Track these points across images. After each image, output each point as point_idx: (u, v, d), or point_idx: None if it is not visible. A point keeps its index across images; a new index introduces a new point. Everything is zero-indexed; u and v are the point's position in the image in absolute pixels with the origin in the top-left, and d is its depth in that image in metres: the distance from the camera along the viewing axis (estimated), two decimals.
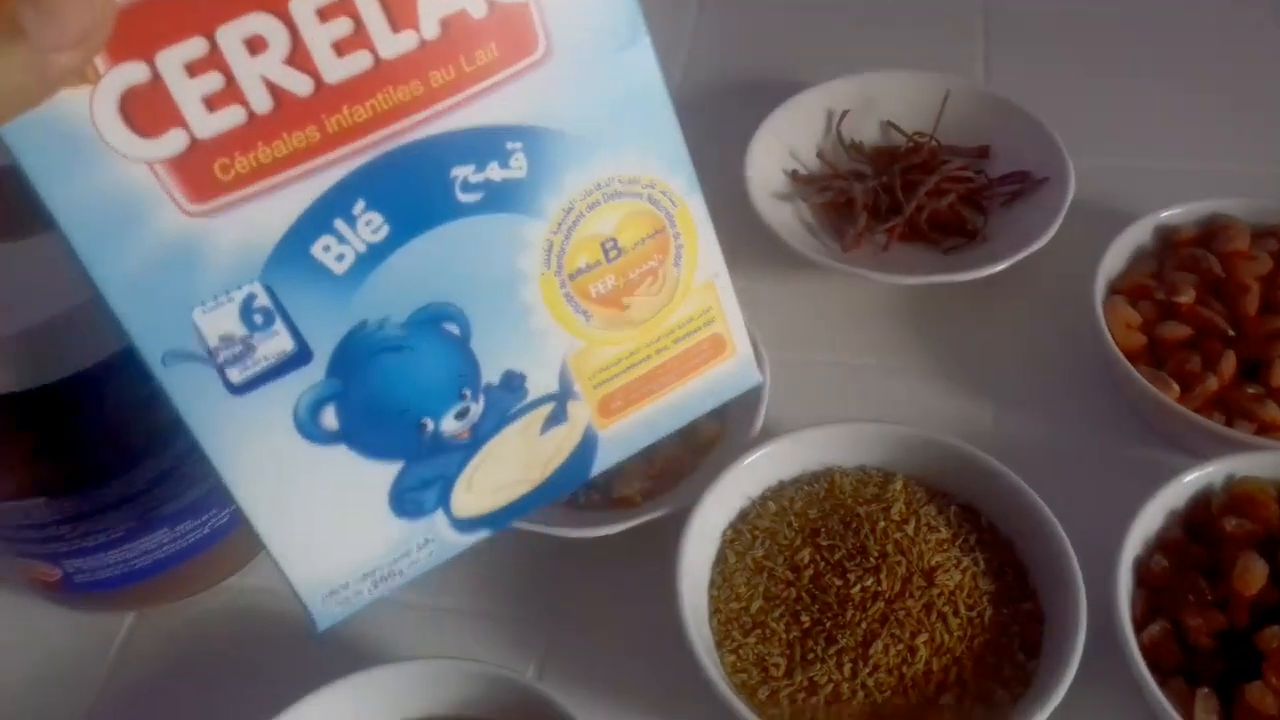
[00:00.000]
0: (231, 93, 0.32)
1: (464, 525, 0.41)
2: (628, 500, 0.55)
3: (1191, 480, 0.53)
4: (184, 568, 0.52)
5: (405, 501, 0.39)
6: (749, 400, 0.57)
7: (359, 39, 0.32)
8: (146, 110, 0.31)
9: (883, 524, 0.53)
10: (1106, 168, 0.70)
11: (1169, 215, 0.65)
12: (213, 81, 0.31)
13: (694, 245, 0.42)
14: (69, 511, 0.47)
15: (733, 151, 0.69)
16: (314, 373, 0.36)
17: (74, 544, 0.48)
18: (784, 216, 0.68)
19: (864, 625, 0.50)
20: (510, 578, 0.56)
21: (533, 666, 0.53)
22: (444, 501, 0.40)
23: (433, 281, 0.37)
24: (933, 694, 0.49)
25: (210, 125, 0.32)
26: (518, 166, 0.36)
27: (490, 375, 0.39)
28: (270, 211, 0.33)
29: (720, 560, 0.54)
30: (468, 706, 0.48)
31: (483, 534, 0.42)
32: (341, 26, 0.32)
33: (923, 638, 0.50)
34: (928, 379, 0.63)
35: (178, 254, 0.33)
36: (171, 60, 0.31)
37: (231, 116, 0.32)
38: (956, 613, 0.51)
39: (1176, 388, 0.57)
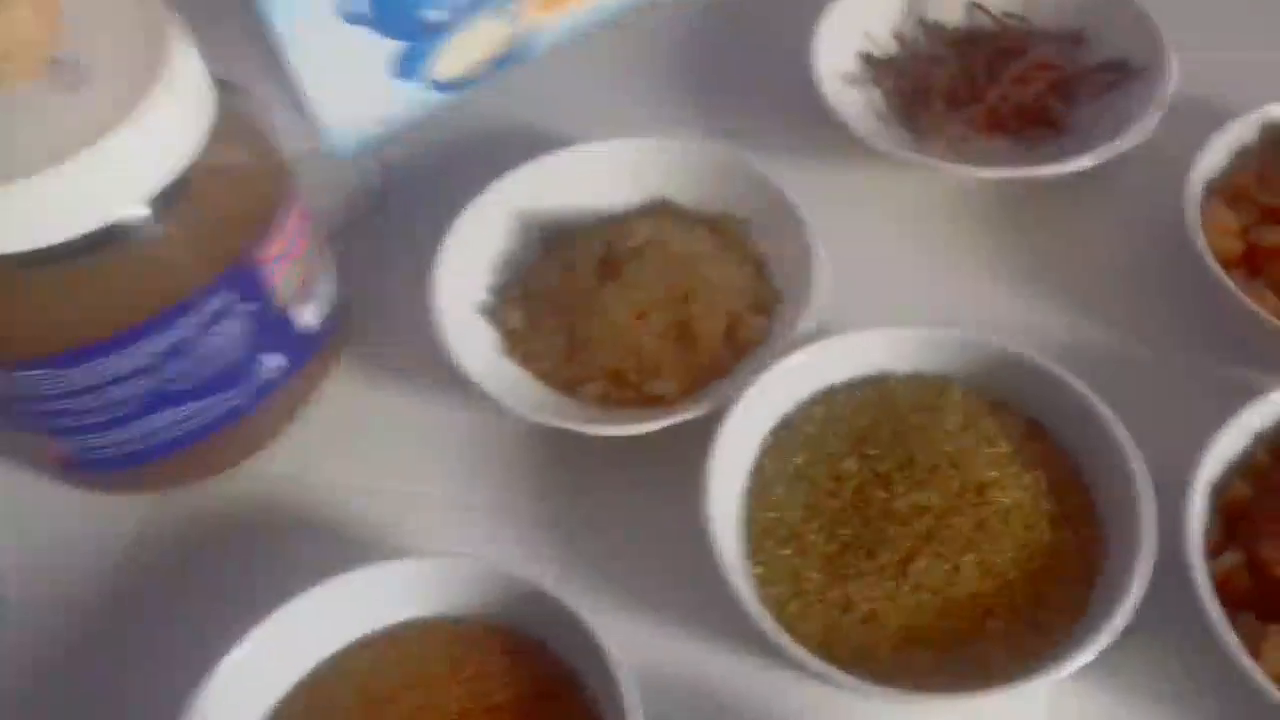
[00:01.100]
0: None
1: (442, 85, 0.58)
2: (662, 399, 0.52)
3: (1276, 400, 0.48)
4: (199, 448, 0.50)
5: (403, 67, 0.56)
6: (800, 298, 0.53)
7: None
8: None
9: (936, 434, 0.49)
10: (1212, 60, 0.63)
11: (1275, 112, 0.59)
12: None
13: None
14: (77, 384, 0.45)
15: (802, 30, 0.64)
16: None
17: (81, 419, 0.47)
18: (855, 103, 0.63)
19: (908, 542, 0.46)
20: (537, 474, 0.53)
21: (554, 568, 0.50)
22: (425, 69, 0.57)
23: None
24: (979, 618, 0.46)
25: None
26: None
27: None
28: None
29: (758, 466, 0.50)
30: (484, 607, 0.46)
31: (454, 94, 0.58)
32: None
33: (970, 557, 0.46)
34: (1000, 282, 0.59)
35: None
36: None
37: None
38: (1010, 533, 0.47)
39: (1275, 299, 0.52)
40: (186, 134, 0.44)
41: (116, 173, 0.41)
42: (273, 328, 0.49)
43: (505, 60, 0.60)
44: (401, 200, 0.62)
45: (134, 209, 0.43)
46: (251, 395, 0.50)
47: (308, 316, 0.51)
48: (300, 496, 0.53)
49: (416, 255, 0.55)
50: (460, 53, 0.57)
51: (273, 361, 0.50)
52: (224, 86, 0.47)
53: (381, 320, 0.58)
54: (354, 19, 0.52)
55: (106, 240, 0.42)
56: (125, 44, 0.43)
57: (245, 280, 0.47)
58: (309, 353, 0.52)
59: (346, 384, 0.56)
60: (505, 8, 0.57)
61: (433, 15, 0.55)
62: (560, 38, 0.61)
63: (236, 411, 0.50)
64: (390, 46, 0.55)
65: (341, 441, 0.54)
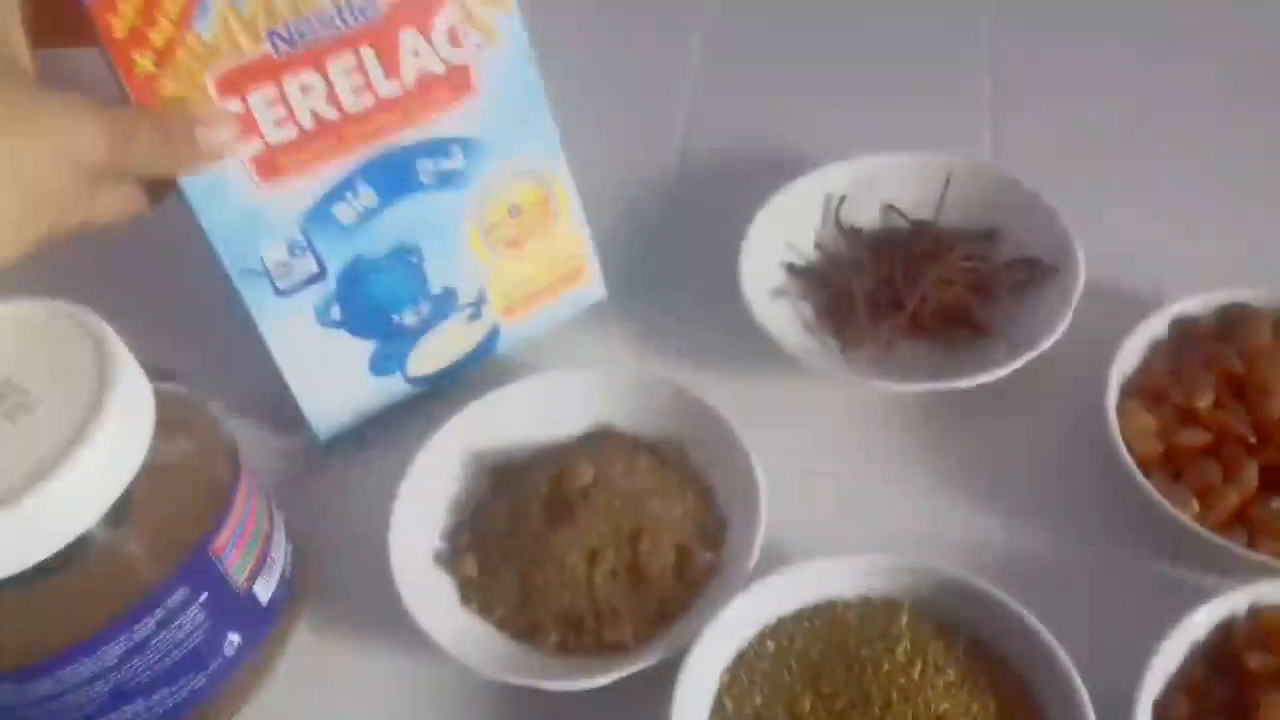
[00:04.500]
0: (290, 118, 0.53)
1: (416, 380, 0.64)
2: (618, 644, 0.53)
3: (1211, 611, 0.50)
4: None
5: (379, 365, 0.63)
6: (746, 525, 0.55)
7: (367, 86, 0.55)
8: (242, 127, 0.52)
9: (887, 667, 0.51)
10: (1117, 253, 0.66)
11: (1184, 306, 0.62)
12: (280, 111, 0.53)
13: (566, 207, 0.64)
14: (36, 694, 0.45)
15: (727, 243, 0.66)
16: (328, 285, 0.59)
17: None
18: (782, 315, 0.65)
19: None
20: None
21: None
22: (402, 366, 0.64)
23: (403, 230, 0.59)
24: None
25: (277, 136, 0.53)
26: (457, 161, 0.59)
27: (435, 289, 0.62)
28: (308, 186, 0.56)
29: (718, 708, 0.51)
30: None
31: (426, 386, 0.64)
32: (357, 79, 0.54)
33: None
34: (933, 493, 0.61)
35: (253, 212, 0.55)
36: (257, 98, 0.52)
37: (289, 132, 0.54)
38: None
39: (1195, 504, 0.55)
40: (133, 444, 0.45)
41: (70, 497, 0.42)
42: (231, 609, 0.50)
43: (475, 355, 0.66)
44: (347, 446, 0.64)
45: (89, 526, 0.43)
46: (210, 678, 0.50)
47: (264, 591, 0.52)
48: None
49: (367, 503, 0.56)
50: (433, 350, 0.64)
51: (232, 641, 0.51)
52: (162, 379, 0.48)
53: (338, 574, 0.58)
54: (333, 325, 0.60)
55: (63, 559, 0.43)
56: (63, 366, 0.44)
57: (201, 570, 0.48)
58: (267, 626, 0.53)
59: (304, 645, 0.56)
60: (475, 312, 0.64)
61: (404, 320, 0.62)
62: (532, 331, 0.67)
63: (198, 695, 0.50)
64: (367, 347, 0.62)
65: (300, 705, 0.55)
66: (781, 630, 0.53)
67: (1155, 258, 0.68)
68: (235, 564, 0.49)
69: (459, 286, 0.63)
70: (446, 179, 0.59)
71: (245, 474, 0.51)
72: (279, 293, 0.57)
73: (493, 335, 0.66)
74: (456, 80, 0.57)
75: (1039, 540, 0.58)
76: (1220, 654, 0.50)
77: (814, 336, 0.65)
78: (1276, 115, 0.78)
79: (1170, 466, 0.57)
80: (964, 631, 0.52)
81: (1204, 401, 0.57)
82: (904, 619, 0.52)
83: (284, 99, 0.53)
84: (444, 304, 0.63)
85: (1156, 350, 0.61)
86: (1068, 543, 0.58)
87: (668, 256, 0.73)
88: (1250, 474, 0.55)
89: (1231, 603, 0.51)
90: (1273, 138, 0.77)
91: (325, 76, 0.53)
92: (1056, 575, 0.56)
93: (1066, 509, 0.59)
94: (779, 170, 0.70)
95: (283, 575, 0.53)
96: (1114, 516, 0.58)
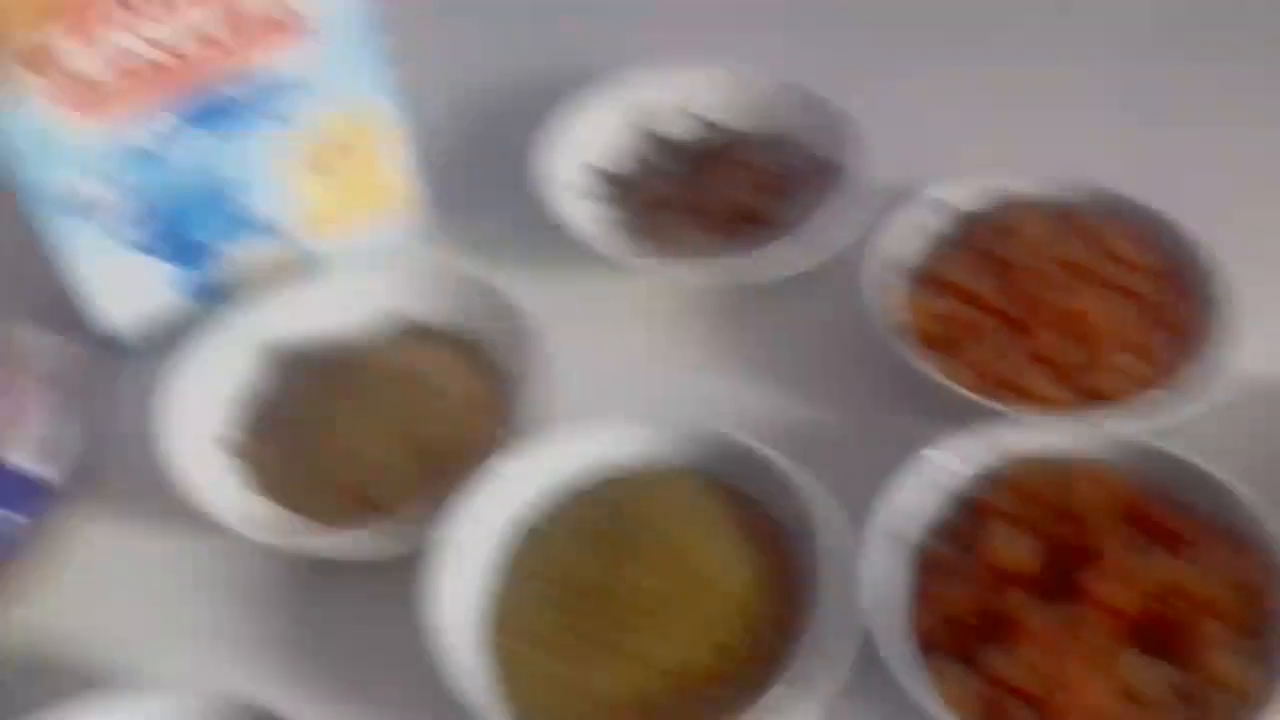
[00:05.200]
0: (100, 49, 0.53)
1: (220, 297, 0.64)
2: (398, 514, 0.54)
3: (952, 455, 0.53)
4: None
5: (184, 287, 0.64)
6: (533, 403, 0.56)
7: (179, 19, 0.54)
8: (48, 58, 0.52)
9: (661, 523, 0.52)
10: (903, 155, 0.68)
11: (953, 193, 0.65)
12: (89, 42, 0.52)
13: (383, 136, 0.65)
14: None
15: (528, 150, 0.68)
16: (135, 207, 0.59)
17: None
18: (587, 217, 0.67)
19: (635, 625, 0.49)
20: (281, 599, 0.55)
21: (300, 690, 0.51)
22: (208, 290, 0.64)
23: (215, 159, 0.60)
24: (705, 687, 0.49)
25: (85, 66, 0.53)
26: (273, 94, 0.59)
27: (246, 216, 0.63)
28: (121, 117, 0.55)
29: (496, 567, 0.53)
30: None
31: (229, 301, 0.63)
32: (167, 13, 0.54)
33: (692, 634, 0.49)
34: (725, 376, 0.63)
35: (59, 139, 0.54)
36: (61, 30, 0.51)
37: (100, 63, 0.53)
38: (728, 609, 0.50)
39: (970, 373, 0.57)
40: None
41: None
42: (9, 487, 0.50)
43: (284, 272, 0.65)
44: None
45: None
46: None
47: (43, 471, 0.52)
48: (45, 645, 0.53)
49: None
50: (241, 273, 0.65)
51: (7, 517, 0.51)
52: None
53: (128, 465, 0.58)
54: (138, 247, 0.61)
55: None
56: None
57: None
58: (45, 506, 0.53)
59: (91, 533, 0.57)
60: (287, 240, 0.65)
61: (211, 246, 0.63)
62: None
63: None
64: (172, 270, 0.63)
65: (87, 590, 0.55)
66: (561, 495, 0.55)
67: (937, 155, 0.70)
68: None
69: (271, 214, 0.63)
70: (263, 111, 0.59)
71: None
72: (82, 215, 0.57)
73: (305, 260, 0.66)
74: (284, 22, 0.57)
75: (821, 414, 0.61)
76: (964, 498, 0.53)
77: (617, 237, 0.67)
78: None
79: (942, 343, 0.59)
80: (737, 492, 0.54)
81: (962, 277, 0.60)
82: (678, 479, 0.54)
83: (91, 31, 0.52)
84: (254, 230, 0.63)
85: (926, 237, 0.64)
86: (848, 415, 0.60)
87: (480, 171, 0.74)
88: (1014, 346, 0.58)
89: (975, 448, 0.53)
90: (1048, 39, 0.81)
91: (134, 9, 0.53)
92: (830, 445, 0.58)
93: (848, 387, 0.62)
94: (585, 81, 0.72)
95: (65, 459, 0.54)
96: (883, 389, 0.61)
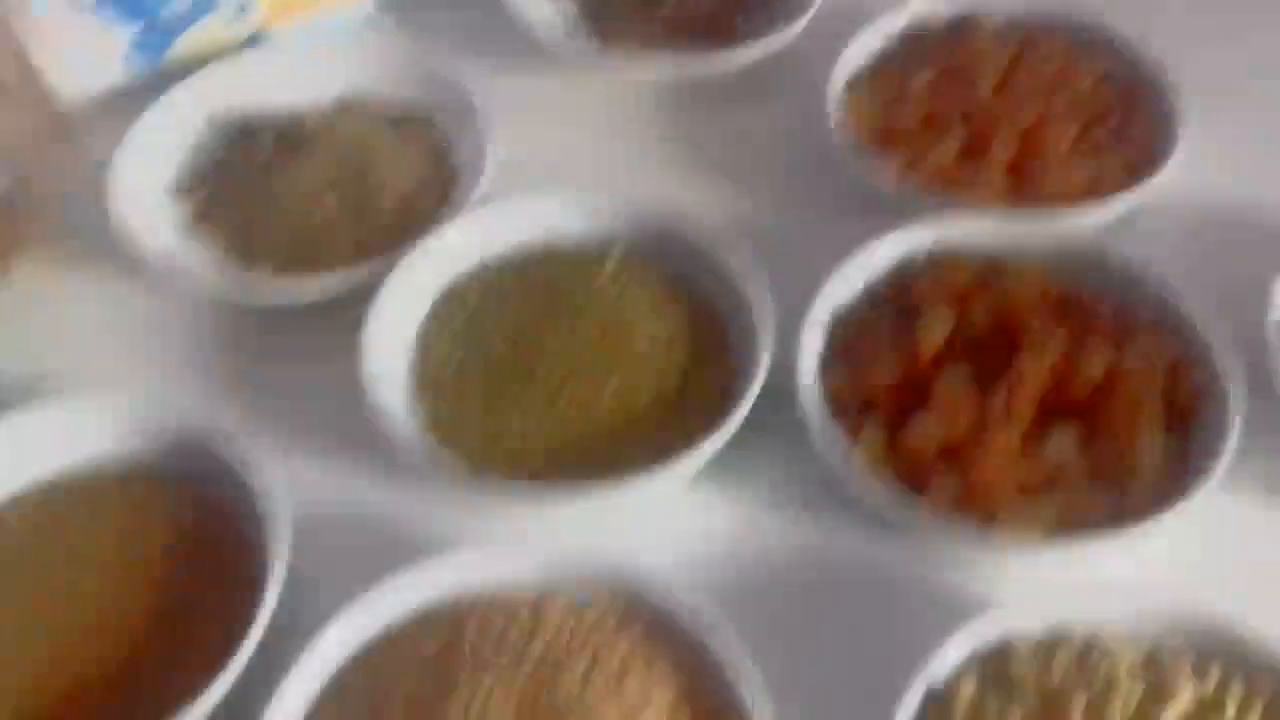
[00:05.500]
0: None
1: (173, 69, 0.62)
2: (335, 267, 0.54)
3: (893, 243, 0.53)
4: None
5: (137, 52, 0.63)
6: (474, 176, 0.56)
7: None
8: None
9: (590, 286, 0.53)
10: None
11: (915, 9, 0.64)
12: None
13: None
14: None
15: None
16: None
17: None
18: (545, 14, 0.67)
19: (556, 376, 0.50)
20: (219, 348, 0.55)
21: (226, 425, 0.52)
22: (160, 55, 0.63)
23: None
24: (617, 436, 0.49)
25: None
26: None
27: None
28: None
29: (426, 323, 0.53)
30: (144, 454, 0.48)
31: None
32: None
33: (611, 388, 0.50)
34: (672, 170, 0.63)
35: None
36: None
37: None
38: (649, 365, 0.51)
39: (902, 164, 0.57)
40: None
41: None
42: None
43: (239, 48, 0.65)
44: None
45: None
46: None
47: None
48: None
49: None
50: (195, 44, 0.64)
51: None
52: None
53: (77, 220, 0.58)
54: (93, 8, 0.60)
55: None
56: None
57: None
58: None
59: (32, 275, 0.57)
60: (241, 12, 0.64)
61: (168, 10, 0.62)
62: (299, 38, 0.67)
63: None
64: (128, 32, 0.62)
65: (25, 328, 0.56)
66: (495, 262, 0.55)
67: None
68: None
69: None
70: None
71: None
72: None
73: (257, 38, 0.66)
74: None
75: (768, 211, 0.61)
76: (898, 284, 0.53)
77: (576, 34, 0.67)
78: None
79: (890, 143, 0.59)
80: (669, 267, 0.54)
81: (919, 81, 0.60)
82: (613, 250, 0.54)
83: None
84: (218, 8, 0.63)
85: (888, 50, 0.64)
86: (795, 212, 0.60)
87: None
88: (955, 139, 0.58)
89: (912, 237, 0.54)
90: None
91: None
92: (778, 239, 0.58)
93: (798, 187, 0.62)
94: None
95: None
96: (832, 188, 0.60)
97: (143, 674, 0.42)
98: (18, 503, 0.47)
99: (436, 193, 0.58)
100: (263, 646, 0.42)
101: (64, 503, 0.47)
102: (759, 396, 0.48)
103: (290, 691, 0.41)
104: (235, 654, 0.40)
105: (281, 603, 0.42)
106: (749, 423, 0.48)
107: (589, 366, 0.50)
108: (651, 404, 0.50)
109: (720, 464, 0.49)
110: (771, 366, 0.49)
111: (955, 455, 0.47)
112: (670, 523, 0.49)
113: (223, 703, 0.41)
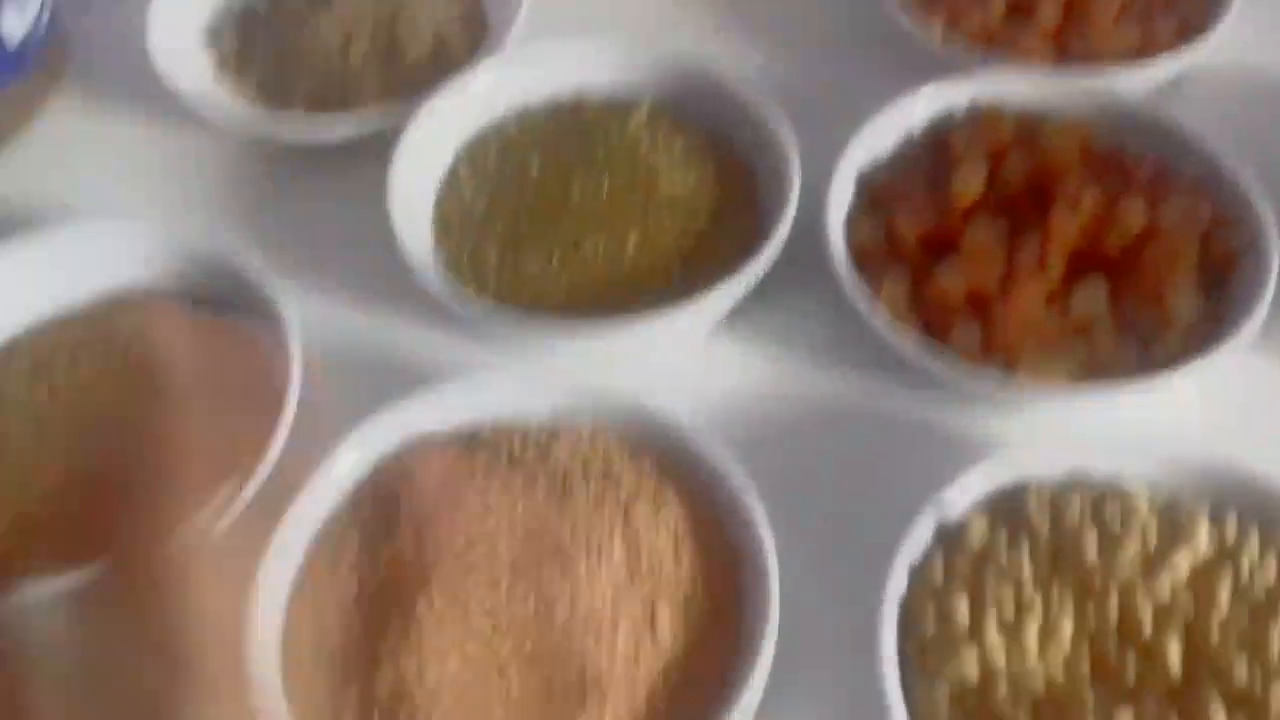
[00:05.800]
0: None
1: None
2: (366, 105, 0.54)
3: (932, 96, 0.52)
4: None
5: None
6: (507, 21, 0.56)
7: None
8: None
9: (619, 136, 0.52)
10: None
11: None
12: None
13: None
14: None
15: None
16: None
17: None
18: None
19: (579, 222, 0.50)
20: (250, 187, 0.55)
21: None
22: None
23: None
24: (638, 284, 0.49)
25: None
26: None
27: None
28: None
29: (454, 166, 0.53)
30: (174, 278, 0.48)
31: None
32: None
33: (635, 237, 0.49)
34: (707, 20, 0.62)
35: None
36: None
37: None
38: (675, 216, 0.50)
39: (946, 22, 0.56)
40: None
41: None
42: None
43: None
44: None
45: None
46: None
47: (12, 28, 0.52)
48: (12, 215, 0.54)
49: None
50: None
51: None
52: None
53: (105, 53, 0.59)
54: None
55: None
56: None
57: None
58: (13, 71, 0.53)
59: (66, 112, 0.57)
60: None
61: None
62: None
63: None
64: None
65: (59, 164, 0.56)
66: (524, 111, 0.54)
67: None
68: None
69: None
70: None
71: None
72: None
73: None
74: None
75: (801, 64, 0.59)
76: (936, 139, 0.52)
77: None
78: None
79: (930, 5, 0.58)
80: (701, 123, 0.53)
81: None
82: (645, 102, 0.54)
83: None
84: None
85: None
86: (825, 66, 0.59)
87: None
88: (1011, 7, 0.56)
89: (949, 93, 0.52)
90: None
91: None
92: (811, 92, 0.57)
93: (835, 40, 0.61)
94: None
95: (37, 23, 0.54)
96: (872, 46, 0.59)
97: (159, 486, 0.42)
98: (47, 325, 0.47)
99: (468, 38, 0.57)
100: (279, 468, 0.42)
101: (91, 323, 0.47)
102: (788, 252, 0.47)
103: (304, 509, 0.41)
104: (259, 465, 0.41)
105: (298, 429, 0.43)
106: (775, 278, 0.47)
107: (615, 215, 0.50)
108: (676, 254, 0.49)
109: (744, 317, 0.48)
110: (802, 220, 0.48)
111: (981, 304, 0.46)
112: (690, 371, 0.49)
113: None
